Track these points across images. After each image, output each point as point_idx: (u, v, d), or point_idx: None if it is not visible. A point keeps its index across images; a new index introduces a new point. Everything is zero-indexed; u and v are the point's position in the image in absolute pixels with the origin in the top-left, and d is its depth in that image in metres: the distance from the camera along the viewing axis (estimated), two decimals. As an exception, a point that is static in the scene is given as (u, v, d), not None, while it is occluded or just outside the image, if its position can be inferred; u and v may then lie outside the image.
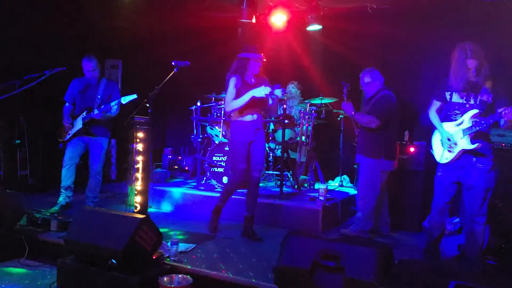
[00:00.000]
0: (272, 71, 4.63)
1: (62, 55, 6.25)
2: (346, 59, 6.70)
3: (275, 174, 6.55)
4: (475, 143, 3.79)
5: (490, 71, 3.80)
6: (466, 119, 3.82)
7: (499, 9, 5.47)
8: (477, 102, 3.81)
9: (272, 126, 6.55)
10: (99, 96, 5.38)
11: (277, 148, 6.55)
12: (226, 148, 5.96)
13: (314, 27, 6.85)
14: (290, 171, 6.46)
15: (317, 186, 6.08)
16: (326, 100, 6.43)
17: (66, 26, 6.73)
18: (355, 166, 6.30)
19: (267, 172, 6.49)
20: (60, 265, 3.59)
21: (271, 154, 6.54)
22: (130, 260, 3.36)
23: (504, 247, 4.16)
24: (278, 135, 6.34)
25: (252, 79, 4.61)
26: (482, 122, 3.73)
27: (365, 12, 6.76)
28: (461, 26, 5.57)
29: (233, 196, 4.78)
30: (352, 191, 6.25)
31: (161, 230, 3.68)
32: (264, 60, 4.60)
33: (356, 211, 4.99)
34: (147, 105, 4.28)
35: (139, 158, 4.38)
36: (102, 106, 5.25)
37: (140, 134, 4.37)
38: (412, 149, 5.43)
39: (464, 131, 3.82)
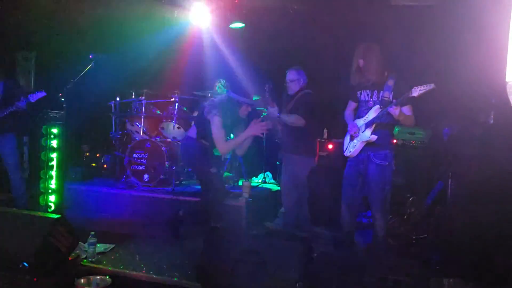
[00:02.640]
0: (197, 70, 4.58)
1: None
2: (268, 58, 6.79)
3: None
4: (372, 135, 4.05)
5: (388, 70, 4.07)
6: (370, 114, 4.09)
7: (408, 13, 5.83)
8: (379, 99, 4.07)
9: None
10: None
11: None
12: (147, 145, 5.82)
13: (237, 24, 6.87)
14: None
15: (240, 182, 6.13)
16: (249, 98, 6.49)
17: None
18: (277, 163, 6.43)
19: (190, 169, 6.41)
20: (-36, 272, 3.33)
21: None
22: (44, 263, 3.23)
23: (415, 239, 4.44)
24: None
25: None
26: (379, 114, 3.99)
27: (287, 13, 6.89)
28: (375, 30, 5.83)
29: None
30: (275, 187, 6.35)
31: (78, 230, 3.54)
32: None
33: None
34: (62, 99, 4.09)
35: (53, 155, 4.20)
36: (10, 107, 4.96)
37: (55, 130, 4.19)
38: (330, 146, 5.62)
39: (365, 124, 4.09)
